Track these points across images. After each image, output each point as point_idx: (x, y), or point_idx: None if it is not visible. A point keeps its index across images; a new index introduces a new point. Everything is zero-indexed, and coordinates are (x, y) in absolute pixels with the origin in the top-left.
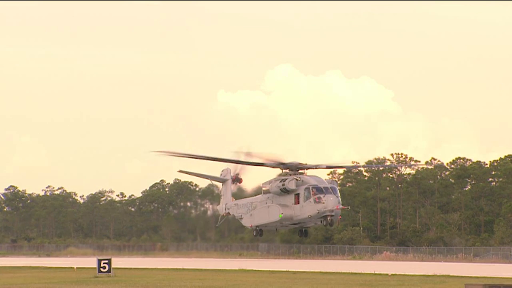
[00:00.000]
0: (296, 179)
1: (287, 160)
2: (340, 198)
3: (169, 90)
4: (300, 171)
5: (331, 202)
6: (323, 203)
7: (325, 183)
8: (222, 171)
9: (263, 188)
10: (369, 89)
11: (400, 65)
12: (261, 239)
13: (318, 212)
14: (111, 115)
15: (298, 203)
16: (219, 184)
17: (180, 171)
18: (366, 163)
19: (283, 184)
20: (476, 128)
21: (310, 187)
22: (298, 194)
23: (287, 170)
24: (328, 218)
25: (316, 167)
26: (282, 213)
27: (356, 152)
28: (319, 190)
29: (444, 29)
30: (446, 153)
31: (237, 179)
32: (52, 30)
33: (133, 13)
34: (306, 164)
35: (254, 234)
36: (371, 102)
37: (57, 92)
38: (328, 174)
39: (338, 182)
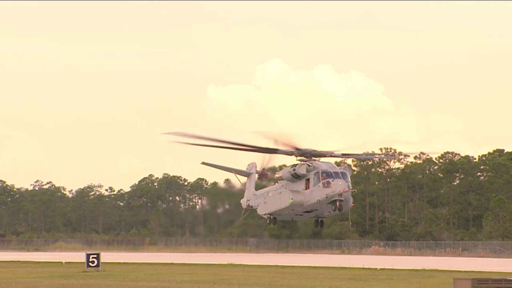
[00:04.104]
0: (308, 164)
1: (301, 146)
2: (350, 184)
3: (159, 85)
4: (314, 158)
5: (339, 186)
6: (332, 187)
7: (336, 169)
8: (248, 165)
9: (276, 176)
10: (359, 83)
11: (390, 59)
12: (250, 233)
13: (326, 197)
14: (100, 110)
15: (309, 188)
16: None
17: (203, 163)
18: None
19: (294, 170)
20: (467, 123)
21: (320, 171)
22: (309, 179)
23: (302, 157)
24: (337, 203)
25: (330, 154)
26: (292, 199)
27: (347, 147)
28: (328, 174)
29: (434, 24)
30: (437, 147)
31: (263, 174)
32: (43, 28)
33: (122, 10)
34: (321, 151)
35: (268, 222)
36: (361, 97)
37: (47, 88)
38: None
39: None
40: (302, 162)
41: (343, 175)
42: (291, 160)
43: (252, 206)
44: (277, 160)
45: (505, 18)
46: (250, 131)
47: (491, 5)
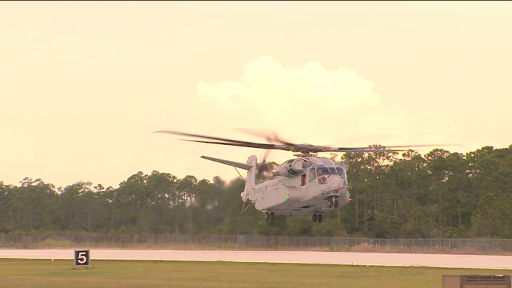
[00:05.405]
0: (304, 160)
1: (297, 141)
2: (346, 179)
3: (149, 82)
4: (311, 153)
5: (335, 182)
6: (327, 183)
7: (332, 164)
8: (248, 158)
9: (273, 171)
10: (349, 81)
11: (379, 57)
12: (239, 230)
13: (322, 193)
14: (89, 107)
15: (305, 184)
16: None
17: (203, 157)
18: (344, 155)
19: (290, 165)
20: (456, 120)
21: (316, 167)
22: (305, 175)
23: (299, 153)
24: (333, 199)
25: (327, 149)
26: (288, 194)
27: (338, 144)
28: (324, 170)
29: (423, 21)
30: (426, 144)
31: (263, 167)
32: (31, 23)
33: (112, 7)
34: (317, 146)
35: (266, 217)
36: (351, 94)
37: (36, 85)
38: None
39: None
40: (298, 157)
41: (339, 171)
42: (289, 154)
43: (251, 201)
44: (276, 154)
45: (494, 16)
46: (239, 127)
47: (479, 3)
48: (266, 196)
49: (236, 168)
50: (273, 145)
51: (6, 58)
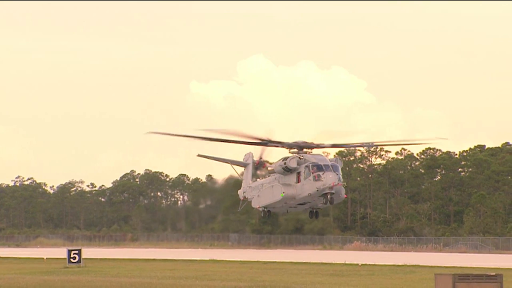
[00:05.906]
0: (299, 157)
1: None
2: (341, 176)
3: (142, 81)
4: (306, 150)
5: (330, 180)
6: (322, 180)
7: (327, 161)
8: (245, 155)
9: (269, 169)
10: (342, 79)
11: (372, 55)
12: (232, 229)
13: (317, 190)
14: (82, 106)
15: (300, 181)
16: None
17: (199, 155)
18: (337, 153)
19: (285, 163)
20: (449, 119)
21: (310, 165)
22: (300, 172)
23: (294, 150)
24: (328, 196)
25: (322, 146)
26: (283, 192)
27: (331, 140)
28: (319, 168)
29: (416, 19)
30: (419, 144)
31: (260, 164)
32: (32, 24)
33: (104, 7)
34: (312, 143)
35: (262, 215)
36: (344, 93)
37: (27, 84)
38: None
39: None
40: (293, 155)
41: (334, 168)
42: (284, 152)
43: (248, 198)
44: (273, 151)
45: (492, 16)
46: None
47: (476, 3)
48: (262, 194)
49: (233, 166)
50: (267, 142)
51: (6, 58)
